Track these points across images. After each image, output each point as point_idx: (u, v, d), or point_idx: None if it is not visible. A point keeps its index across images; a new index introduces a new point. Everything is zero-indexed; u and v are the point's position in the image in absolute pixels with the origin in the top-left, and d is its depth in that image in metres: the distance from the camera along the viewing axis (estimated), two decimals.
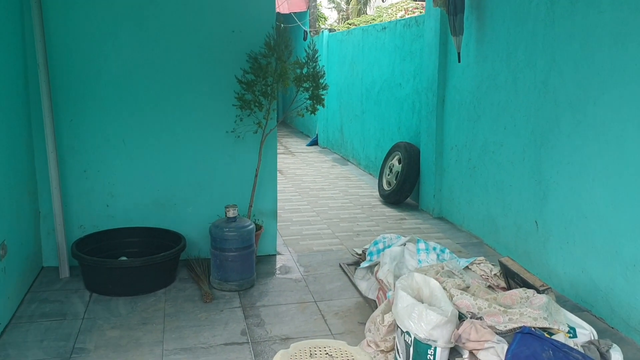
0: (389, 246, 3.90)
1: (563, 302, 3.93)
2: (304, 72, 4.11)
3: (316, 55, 4.08)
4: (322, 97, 4.09)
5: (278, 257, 4.72)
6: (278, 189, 7.18)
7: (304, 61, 4.08)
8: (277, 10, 11.47)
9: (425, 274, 3.22)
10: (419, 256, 3.65)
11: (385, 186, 6.66)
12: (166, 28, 4.16)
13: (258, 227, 4.43)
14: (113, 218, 4.31)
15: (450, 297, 2.75)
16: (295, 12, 11.80)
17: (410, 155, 6.27)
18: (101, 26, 4.03)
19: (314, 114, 4.14)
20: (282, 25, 4.11)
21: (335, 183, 7.64)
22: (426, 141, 6.05)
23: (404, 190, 6.28)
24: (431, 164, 5.95)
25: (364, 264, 3.90)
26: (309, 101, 4.14)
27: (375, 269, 3.74)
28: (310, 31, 11.71)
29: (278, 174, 8.16)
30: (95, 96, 4.12)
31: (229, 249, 3.95)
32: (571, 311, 3.77)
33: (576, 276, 3.89)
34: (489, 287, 3.24)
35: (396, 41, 7.19)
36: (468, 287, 3.05)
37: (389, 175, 6.64)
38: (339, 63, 9.81)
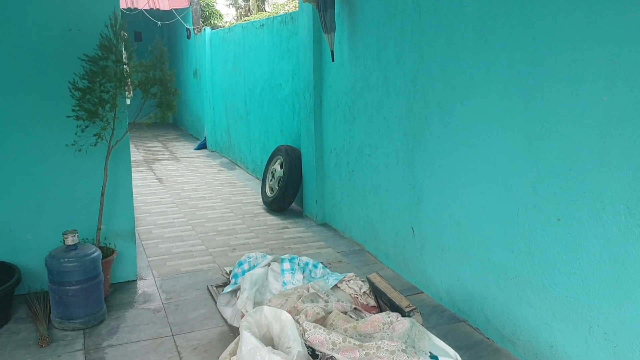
0: (254, 266, 3.53)
1: (440, 312, 3.74)
2: (151, 75, 3.63)
3: (164, 56, 3.62)
4: (174, 103, 3.64)
5: (139, 282, 4.21)
6: (154, 200, 6.68)
7: (149, 63, 3.60)
8: (157, 6, 10.78)
9: (287, 299, 2.89)
10: (283, 277, 3.31)
11: (268, 192, 6.29)
12: None
13: (110, 252, 3.91)
14: None
15: (303, 332, 2.42)
16: (176, 9, 11.13)
17: (292, 159, 5.94)
18: None
19: (165, 121, 3.68)
20: (117, 21, 3.58)
21: (219, 190, 7.17)
22: (306, 144, 5.75)
23: (286, 196, 5.94)
24: (312, 168, 5.65)
25: (227, 288, 3.51)
26: (157, 108, 3.67)
27: (238, 294, 3.36)
28: (194, 29, 11.11)
29: (157, 184, 7.62)
30: None
31: (68, 282, 3.42)
32: (448, 322, 3.62)
33: (452, 285, 3.71)
34: (355, 309, 2.95)
35: (274, 39, 6.83)
36: (330, 313, 2.74)
37: (271, 180, 6.28)
38: (222, 62, 9.32)
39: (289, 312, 2.58)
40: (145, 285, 4.15)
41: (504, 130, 3.14)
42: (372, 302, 3.17)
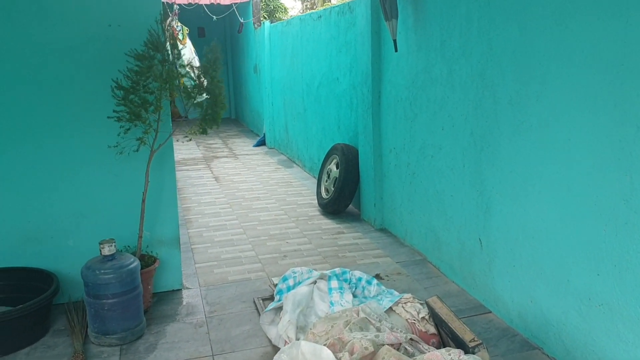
0: (300, 282, 3.22)
1: (511, 336, 3.30)
2: (195, 82, 3.36)
3: (217, 63, 3.33)
4: (219, 117, 3.37)
5: (184, 292, 4.00)
6: (208, 200, 6.51)
7: (200, 67, 3.32)
8: (217, 1, 10.66)
9: (333, 325, 2.56)
10: (331, 297, 2.97)
11: (323, 194, 5.97)
12: (20, 25, 3.41)
13: (152, 261, 3.70)
14: None
15: None
16: (236, 3, 10.98)
17: (349, 159, 5.59)
18: None
19: (206, 133, 3.42)
20: (165, 18, 3.35)
21: (274, 190, 6.92)
22: (364, 142, 5.38)
23: (342, 198, 5.59)
24: (370, 169, 5.28)
25: (270, 306, 3.22)
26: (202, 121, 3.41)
27: (281, 313, 3.06)
28: (254, 22, 10.92)
29: (214, 182, 7.46)
30: None
31: (104, 296, 3.23)
32: (520, 349, 3.18)
33: (525, 306, 3.26)
34: (411, 340, 2.58)
35: (332, 31, 6.48)
36: (382, 347, 2.38)
37: (327, 181, 5.95)
38: (280, 56, 9.07)
39: (333, 345, 2.25)
40: (189, 296, 3.93)
41: (588, 132, 2.67)
42: (432, 329, 2.78)
